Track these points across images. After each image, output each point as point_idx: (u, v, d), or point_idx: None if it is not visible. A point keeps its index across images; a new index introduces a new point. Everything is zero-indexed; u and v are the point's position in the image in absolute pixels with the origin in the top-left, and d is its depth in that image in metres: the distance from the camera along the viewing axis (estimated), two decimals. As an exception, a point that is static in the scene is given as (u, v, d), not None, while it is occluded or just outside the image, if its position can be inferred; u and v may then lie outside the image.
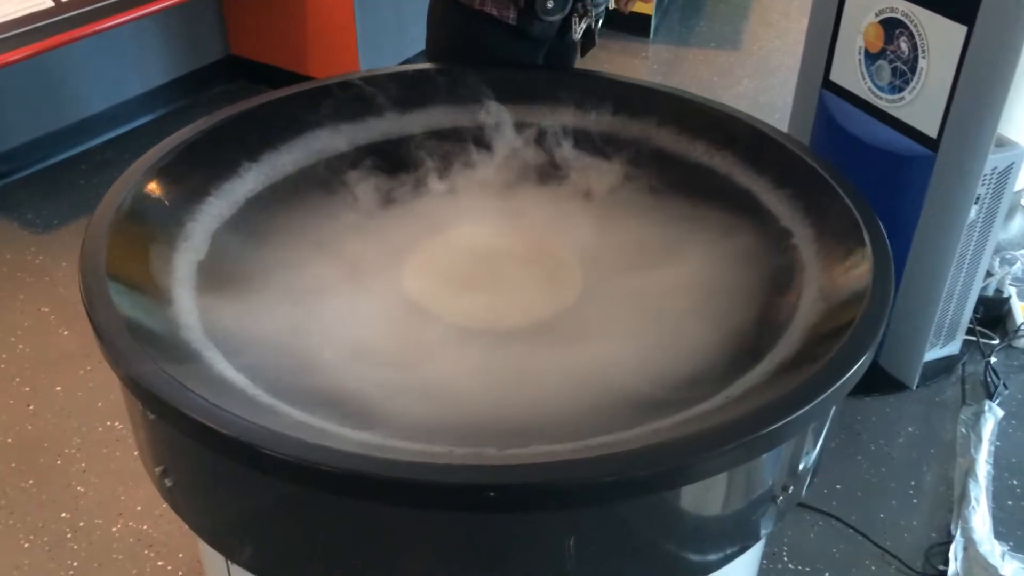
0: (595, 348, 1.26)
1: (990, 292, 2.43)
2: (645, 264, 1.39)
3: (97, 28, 2.67)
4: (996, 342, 2.37)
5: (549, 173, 1.63)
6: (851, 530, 1.91)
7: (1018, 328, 2.36)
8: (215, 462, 1.04)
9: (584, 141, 1.66)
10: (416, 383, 1.19)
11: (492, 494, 0.92)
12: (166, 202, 1.39)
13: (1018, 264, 2.48)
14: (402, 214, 1.51)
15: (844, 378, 1.04)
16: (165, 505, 1.72)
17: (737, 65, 3.91)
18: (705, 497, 1.05)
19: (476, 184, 1.59)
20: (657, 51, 4.04)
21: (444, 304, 1.34)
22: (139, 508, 1.95)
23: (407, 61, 3.58)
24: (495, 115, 1.69)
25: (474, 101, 1.71)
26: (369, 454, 0.95)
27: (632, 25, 4.05)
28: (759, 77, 3.81)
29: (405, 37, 3.56)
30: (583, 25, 1.83)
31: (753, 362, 1.16)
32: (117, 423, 2.15)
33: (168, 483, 1.15)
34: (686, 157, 1.60)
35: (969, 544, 1.86)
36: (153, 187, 1.38)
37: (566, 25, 1.82)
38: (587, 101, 1.70)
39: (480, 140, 1.65)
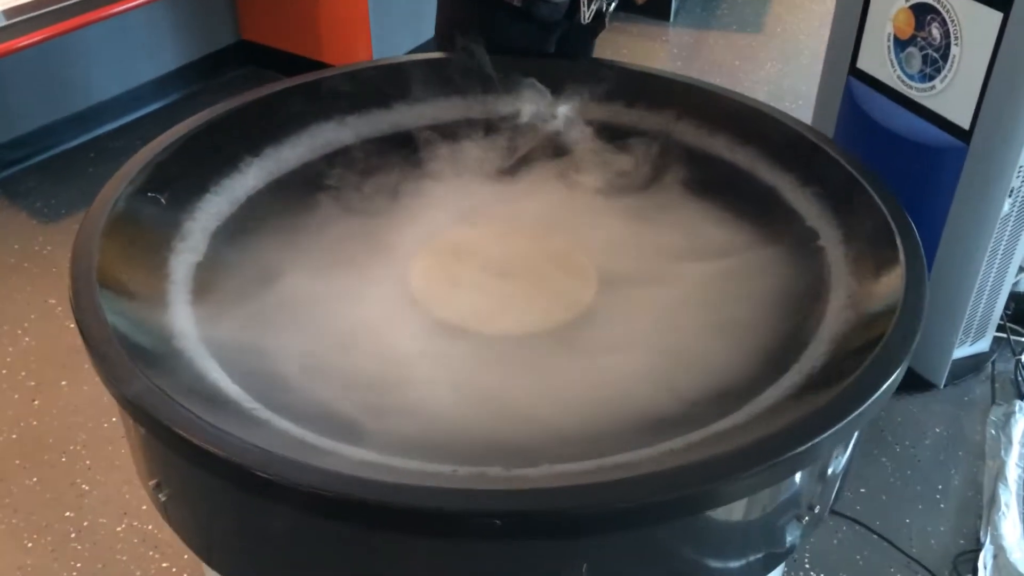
0: (609, 357, 1.20)
1: (1021, 288, 2.34)
2: (663, 267, 1.33)
3: (108, 13, 2.62)
4: (1026, 339, 2.29)
5: (562, 169, 1.57)
6: (876, 536, 1.85)
7: (1050, 325, 2.28)
8: (210, 482, 0.99)
9: (598, 135, 1.59)
10: (420, 394, 1.13)
11: (497, 522, 0.86)
12: (162, 200, 1.33)
13: (1052, 259, 2.39)
14: (410, 212, 1.45)
15: (875, 395, 0.98)
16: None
17: (760, 48, 3.81)
18: (728, 519, 0.99)
19: (488, 180, 1.53)
20: (678, 35, 3.95)
21: (453, 309, 1.28)
22: (144, 508, 1.91)
23: (422, 46, 3.50)
24: (507, 107, 1.63)
25: (485, 92, 1.65)
26: (367, 477, 0.89)
27: (652, 8, 3.95)
28: (782, 61, 3.71)
29: (420, 21, 3.48)
30: (592, 8, 1.76)
31: (778, 375, 1.10)
32: (123, 419, 2.11)
33: (162, 497, 1.10)
34: (707, 151, 1.53)
35: (999, 552, 1.80)
36: (149, 184, 1.33)
37: (575, 8, 1.75)
38: (601, 92, 1.63)
39: (491, 133, 1.59)
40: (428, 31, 3.56)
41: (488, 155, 1.55)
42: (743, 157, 1.49)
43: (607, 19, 1.84)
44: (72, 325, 2.36)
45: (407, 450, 1.00)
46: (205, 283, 1.25)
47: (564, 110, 1.62)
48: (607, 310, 1.28)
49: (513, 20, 1.73)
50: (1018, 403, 2.11)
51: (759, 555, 1.06)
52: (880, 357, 1.02)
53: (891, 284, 1.16)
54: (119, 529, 1.87)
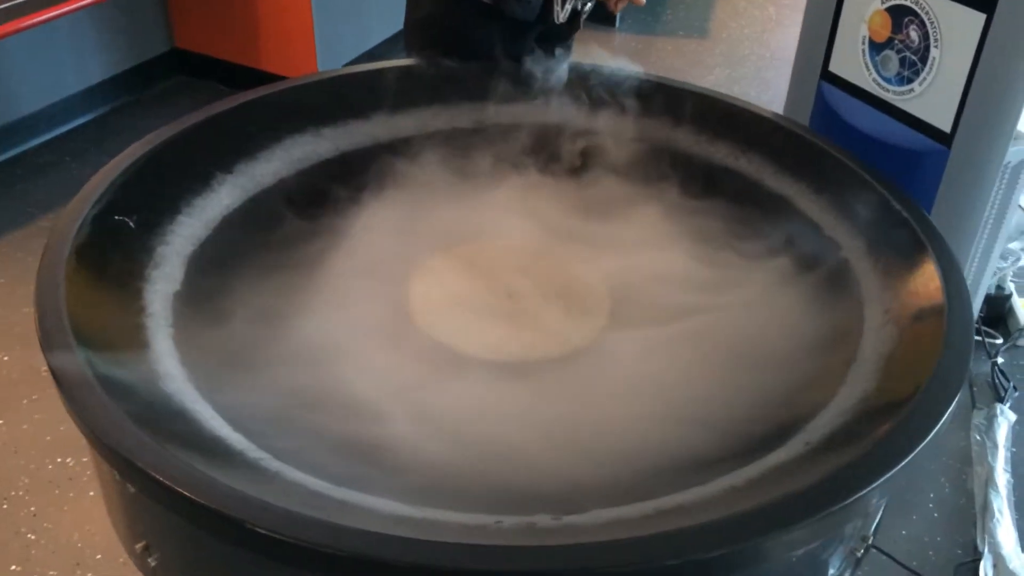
0: (631, 384, 1.11)
1: (991, 289, 2.34)
2: (678, 286, 1.24)
3: (30, 22, 2.44)
4: (1000, 341, 2.28)
5: (554, 179, 1.48)
6: (875, 550, 1.80)
7: (1023, 327, 2.28)
8: (219, 548, 0.87)
9: (592, 143, 1.51)
10: (438, 429, 1.03)
11: (563, 583, 0.77)
12: (131, 224, 1.20)
13: (1022, 260, 2.39)
14: (399, 228, 1.34)
15: (946, 414, 0.91)
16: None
17: (707, 54, 3.79)
18: (800, 558, 0.90)
19: (476, 192, 1.43)
20: (624, 41, 3.90)
21: (458, 334, 1.18)
22: (98, 556, 1.75)
23: (369, 52, 3.38)
24: (491, 115, 1.54)
25: (467, 99, 1.55)
26: (417, 538, 0.78)
27: (597, 14, 3.90)
28: (730, 66, 3.70)
29: (365, 26, 3.37)
30: (567, 7, 1.68)
31: (825, 400, 1.02)
32: (69, 459, 1.95)
33: (152, 562, 0.97)
34: (709, 160, 1.46)
35: (998, 560, 1.77)
36: (115, 207, 1.19)
37: (549, 8, 1.67)
38: (590, 98, 1.55)
39: (477, 143, 1.49)
40: (374, 39, 3.45)
41: (478, 166, 1.45)
42: (747, 165, 1.42)
43: (582, 20, 1.76)
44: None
45: (437, 498, 0.90)
46: (186, 315, 1.12)
47: (549, 118, 1.54)
48: (622, 337, 1.18)
49: (484, 20, 1.64)
50: (999, 407, 2.10)
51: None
52: (940, 373, 0.96)
53: (930, 294, 1.10)
54: (73, 582, 1.71)
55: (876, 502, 0.96)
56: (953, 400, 0.93)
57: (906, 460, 0.87)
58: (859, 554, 1.00)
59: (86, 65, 3.13)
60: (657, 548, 0.78)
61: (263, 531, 0.79)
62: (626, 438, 1.01)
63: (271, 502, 0.82)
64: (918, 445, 0.88)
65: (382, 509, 0.86)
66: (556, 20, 1.69)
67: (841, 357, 1.09)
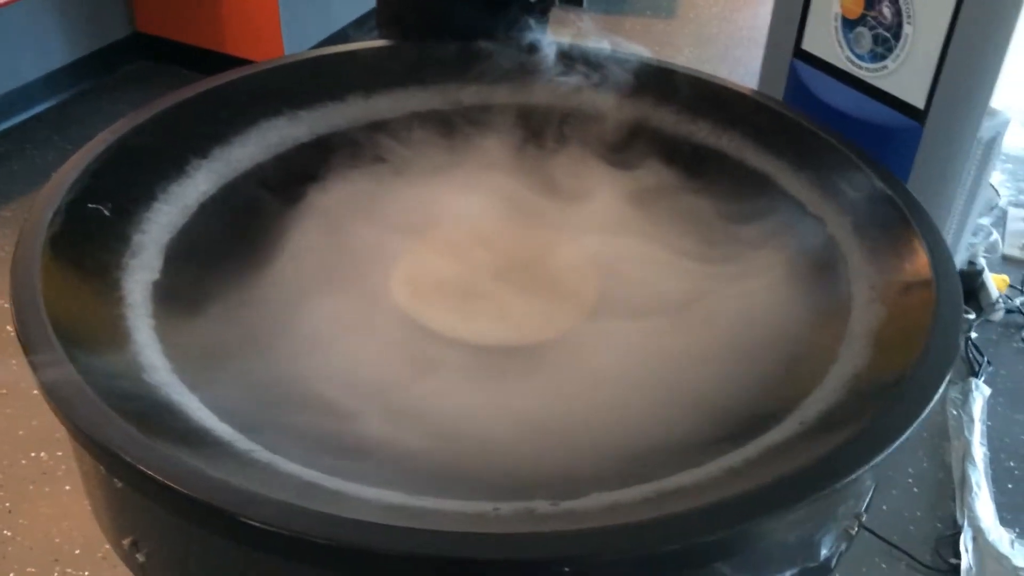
0: (622, 366, 1.10)
1: (963, 264, 2.36)
2: (664, 267, 1.23)
3: (-14, 5, 2.38)
4: (973, 317, 2.31)
5: (534, 160, 1.46)
6: (855, 525, 1.82)
7: (995, 302, 2.30)
8: (211, 541, 0.85)
9: (571, 123, 1.49)
10: (427, 415, 1.01)
11: (566, 569, 0.76)
12: (106, 211, 1.17)
13: (994, 236, 2.42)
14: (381, 211, 1.32)
15: (940, 390, 0.91)
16: (107, 546, 1.50)
17: (676, 34, 3.78)
18: (798, 538, 0.90)
19: (457, 174, 1.41)
20: (591, 20, 3.88)
21: (446, 318, 1.17)
22: (77, 551, 1.72)
23: (335, 34, 3.33)
24: (468, 96, 1.52)
25: (443, 80, 1.53)
26: (410, 527, 0.77)
27: (565, -7, 3.88)
28: (699, 46, 3.69)
29: (331, 8, 3.31)
30: None
31: (817, 378, 1.02)
32: (43, 453, 1.91)
33: (140, 558, 0.95)
34: (690, 139, 1.45)
35: (977, 534, 1.79)
36: (88, 195, 1.16)
37: None
38: (567, 77, 1.53)
39: (456, 124, 1.47)
40: (339, 21, 3.40)
41: (459, 149, 1.43)
42: (729, 143, 1.42)
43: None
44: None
45: (430, 485, 0.88)
46: (167, 304, 1.09)
47: (525, 98, 1.53)
48: (611, 318, 1.17)
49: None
50: (973, 381, 2.12)
51: (815, 570, 0.98)
52: (932, 348, 0.96)
53: (917, 270, 1.10)
54: (50, 579, 1.68)
55: (871, 480, 0.96)
56: (946, 375, 0.93)
57: (903, 437, 0.87)
58: (853, 531, 1.00)
59: (45, 50, 3.05)
60: (659, 531, 0.78)
61: (256, 524, 0.77)
62: (620, 421, 1.00)
63: (263, 494, 0.80)
64: (914, 421, 0.88)
65: (377, 499, 0.84)
66: None
67: (830, 335, 1.09)
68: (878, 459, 0.84)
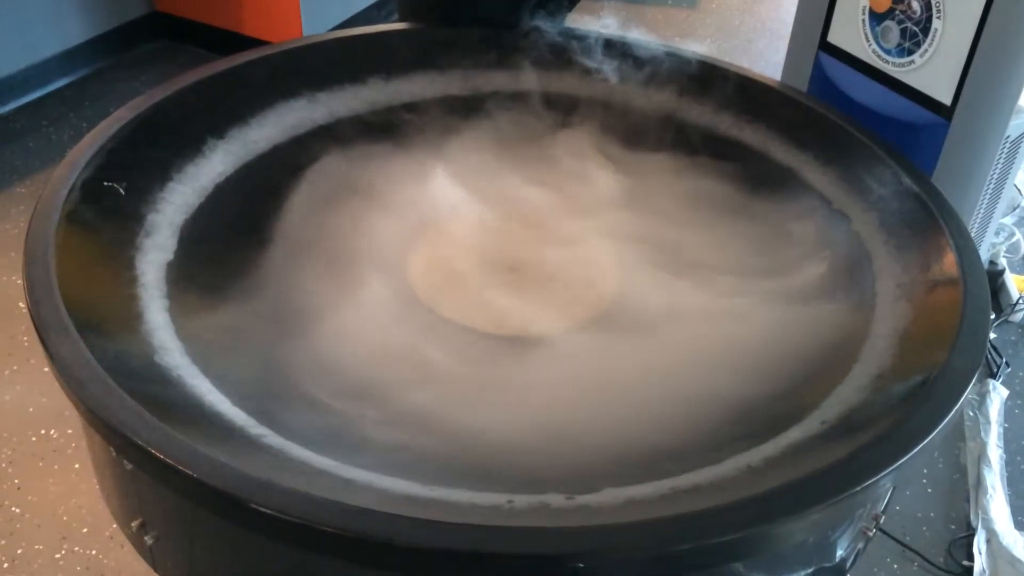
0: (641, 361, 1.08)
1: (984, 265, 2.33)
2: (685, 259, 1.22)
3: (6, -20, 2.37)
4: (992, 317, 2.27)
5: (554, 148, 1.44)
6: (868, 526, 1.80)
7: (1015, 303, 2.27)
8: (221, 527, 0.84)
9: (594, 111, 1.47)
10: (446, 406, 1.00)
11: (581, 565, 0.74)
12: (121, 190, 1.16)
13: (1017, 236, 2.39)
14: (398, 198, 1.30)
15: (967, 390, 0.89)
16: (115, 525, 1.50)
17: (698, 24, 3.74)
18: (816, 538, 0.89)
19: (476, 162, 1.39)
20: (613, 9, 3.83)
21: (461, 307, 1.15)
22: (85, 530, 1.72)
23: (356, 16, 3.31)
24: (490, 82, 1.50)
25: (463, 66, 1.51)
26: (424, 517, 0.75)
27: (586, -19, 3.83)
28: (721, 37, 3.65)
29: (351, -11, 3.29)
30: None
31: (839, 377, 1.00)
32: (53, 431, 1.90)
33: (148, 540, 0.94)
34: (713, 130, 1.43)
35: (992, 536, 1.77)
36: (104, 172, 1.15)
37: None
38: (591, 66, 1.51)
39: (475, 110, 1.46)
40: (360, 3, 3.37)
41: (477, 134, 1.41)
42: (753, 136, 1.40)
43: None
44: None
45: (443, 476, 0.87)
46: (181, 286, 1.08)
47: (547, 86, 1.50)
48: (630, 308, 1.16)
49: None
50: (991, 382, 2.09)
51: (830, 571, 0.97)
52: (959, 349, 0.94)
53: (944, 269, 1.08)
54: (58, 556, 1.67)
55: (891, 482, 0.94)
56: (972, 378, 0.91)
57: (926, 440, 0.85)
58: (870, 533, 0.98)
59: (64, 27, 3.04)
60: (672, 528, 0.76)
61: (268, 511, 0.76)
62: (639, 417, 0.98)
63: (276, 481, 0.79)
64: (938, 424, 0.86)
65: (391, 488, 0.83)
66: None
67: (854, 333, 1.07)
68: (900, 463, 0.82)
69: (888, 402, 0.92)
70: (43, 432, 1.90)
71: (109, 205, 1.13)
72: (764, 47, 3.50)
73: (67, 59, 3.08)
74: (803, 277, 1.16)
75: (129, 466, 0.87)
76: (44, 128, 2.87)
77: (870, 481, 0.80)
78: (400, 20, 1.70)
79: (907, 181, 1.21)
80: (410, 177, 1.34)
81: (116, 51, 3.24)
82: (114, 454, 0.89)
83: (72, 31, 3.07)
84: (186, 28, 3.28)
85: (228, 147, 1.30)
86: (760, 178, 1.33)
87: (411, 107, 1.44)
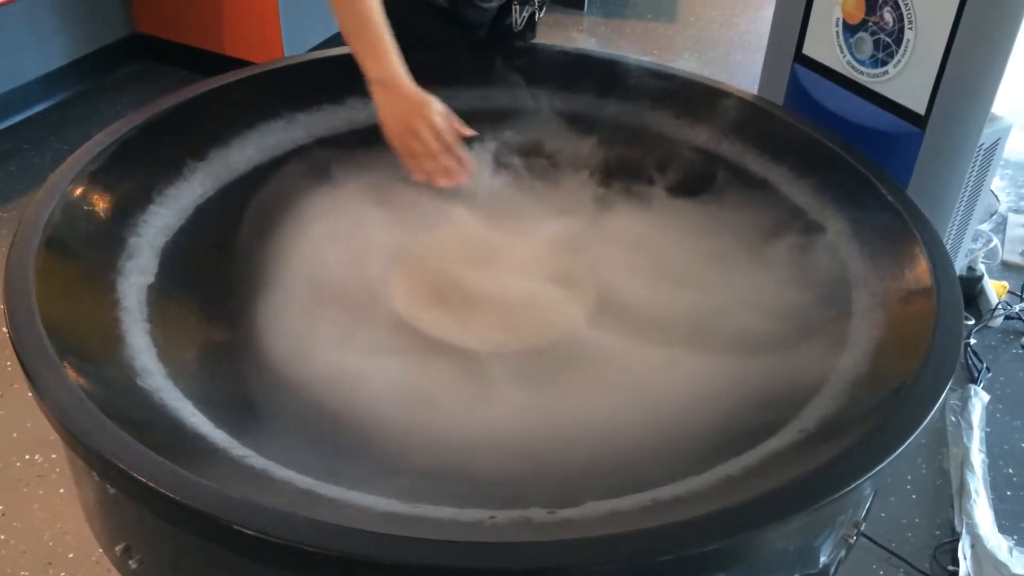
0: (620, 374, 1.09)
1: (963, 271, 2.36)
2: (662, 273, 1.23)
3: (-15, 5, 2.37)
4: (972, 323, 2.30)
5: (532, 165, 1.45)
6: (854, 532, 1.81)
7: (994, 308, 2.30)
8: (204, 550, 0.84)
9: (570, 126, 1.48)
10: (423, 422, 1.01)
11: (565, 579, 0.75)
12: (101, 214, 1.16)
13: (994, 242, 2.42)
14: (381, 216, 1.31)
15: (941, 397, 0.91)
16: (100, 550, 1.50)
17: (677, 38, 3.78)
18: (795, 546, 0.90)
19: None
20: (593, 24, 3.88)
21: (443, 323, 1.16)
22: (71, 555, 1.71)
23: (336, 35, 3.32)
24: (466, 100, 1.50)
25: (442, 84, 1.51)
26: (407, 535, 0.76)
27: (565, -4, 3.87)
28: (699, 50, 3.69)
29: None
30: (524, 14, 1.64)
31: (817, 386, 1.01)
32: (37, 456, 1.90)
33: (133, 564, 0.94)
34: (690, 144, 1.44)
35: (976, 541, 1.78)
36: (84, 197, 1.15)
37: (504, 12, 1.63)
38: (565, 80, 1.52)
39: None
40: (339, 22, 3.39)
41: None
42: (730, 148, 1.41)
43: (536, 26, 1.72)
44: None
45: (426, 493, 0.88)
46: (162, 309, 1.09)
47: (525, 102, 1.52)
48: (608, 323, 1.16)
49: (439, 22, 1.60)
50: (972, 387, 2.11)
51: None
52: (933, 356, 0.95)
53: (918, 276, 1.09)
54: (44, 582, 1.67)
55: (870, 488, 0.96)
56: (947, 384, 0.92)
57: (903, 446, 0.86)
58: (852, 539, 0.99)
59: (44, 50, 3.04)
60: (654, 541, 0.77)
61: (249, 532, 0.76)
62: (618, 429, 0.99)
63: (258, 502, 0.79)
64: (914, 431, 0.87)
65: (373, 506, 0.83)
66: (515, 27, 1.64)
67: (831, 342, 1.08)
68: (877, 469, 0.84)
69: (865, 410, 0.93)
70: (27, 457, 1.89)
71: (90, 229, 1.13)
72: (742, 59, 3.54)
73: (48, 82, 3.08)
74: (780, 287, 1.18)
75: (112, 490, 0.87)
76: (26, 152, 2.87)
77: (847, 488, 0.81)
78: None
79: (882, 191, 1.23)
80: (393, 194, 1.35)
81: (97, 73, 3.24)
82: (97, 479, 0.89)
83: (53, 54, 3.07)
84: (167, 49, 3.29)
85: (209, 169, 1.31)
86: (736, 190, 1.34)
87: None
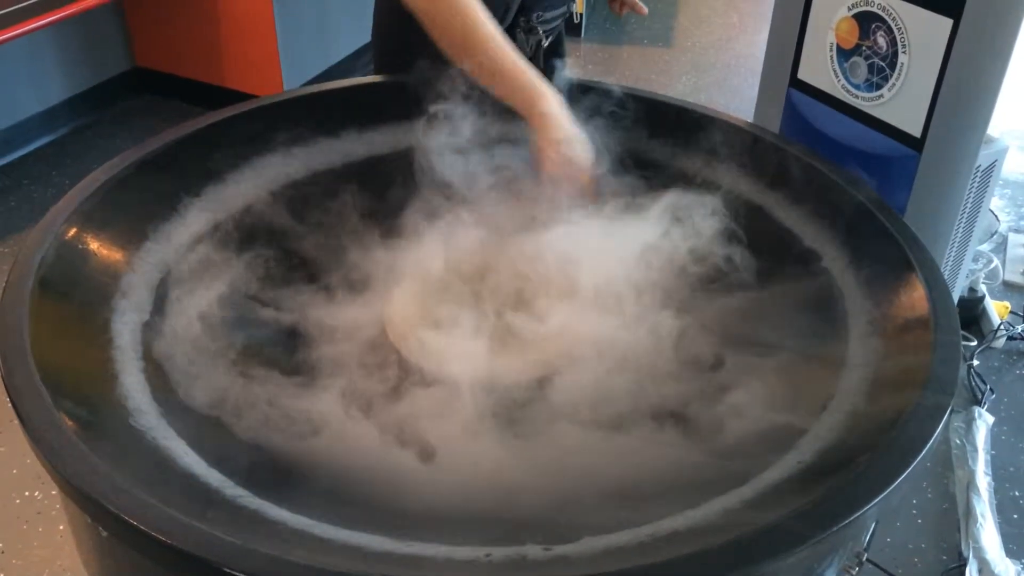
0: (614, 405, 1.08)
1: (964, 291, 2.35)
2: (656, 300, 1.22)
3: (-15, 42, 2.39)
4: (974, 344, 2.29)
5: (519, 193, 1.45)
6: (859, 559, 1.79)
7: (996, 329, 2.29)
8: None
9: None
10: (422, 459, 1.00)
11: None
12: (96, 252, 1.16)
13: (995, 263, 2.41)
14: (378, 249, 1.31)
15: (941, 425, 0.90)
16: (101, 588, 1.48)
17: (673, 62, 3.80)
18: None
19: (455, 212, 1.39)
20: (590, 50, 3.90)
21: (436, 354, 1.15)
22: (71, 594, 1.70)
23: (335, 67, 3.35)
24: (455, 133, 1.51)
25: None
26: (403, 574, 0.75)
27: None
28: (696, 74, 3.70)
29: (330, 41, 3.33)
30: (532, 43, 1.66)
31: (814, 414, 1.01)
32: (37, 492, 1.89)
33: (127, 607, 0.93)
34: (683, 172, 1.44)
35: (983, 566, 1.76)
36: (80, 235, 1.15)
37: (511, 37, 1.64)
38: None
39: (457, 159, 1.46)
40: (338, 54, 3.42)
41: (450, 184, 1.42)
42: (725, 175, 1.41)
43: (541, 57, 1.73)
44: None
45: (420, 530, 0.87)
46: (156, 347, 1.08)
47: (515, 131, 1.51)
48: (599, 353, 1.15)
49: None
50: (976, 409, 2.10)
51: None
52: (932, 383, 0.94)
53: (914, 304, 1.09)
54: (43, 621, 1.66)
55: (872, 517, 0.94)
56: (947, 411, 0.92)
57: (901, 477, 0.85)
58: (853, 572, 0.98)
59: (44, 86, 3.07)
60: (653, 578, 0.76)
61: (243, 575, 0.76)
62: (614, 462, 0.99)
63: (250, 545, 0.78)
64: (913, 461, 0.87)
65: (367, 545, 0.83)
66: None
67: (827, 370, 1.07)
68: (877, 501, 0.83)
69: (864, 439, 0.92)
70: (27, 494, 1.89)
71: (84, 267, 1.13)
72: (739, 83, 3.56)
73: (48, 117, 3.11)
74: (775, 315, 1.17)
75: (104, 533, 0.87)
76: (26, 187, 2.88)
77: (848, 520, 0.80)
78: (376, 72, 1.73)
79: (877, 217, 1.22)
80: (390, 226, 1.35)
81: (97, 108, 3.27)
82: (89, 521, 0.88)
83: (52, 89, 3.10)
84: (167, 82, 3.32)
85: (204, 205, 1.31)
86: (730, 216, 1.34)
87: (387, 157, 1.45)
